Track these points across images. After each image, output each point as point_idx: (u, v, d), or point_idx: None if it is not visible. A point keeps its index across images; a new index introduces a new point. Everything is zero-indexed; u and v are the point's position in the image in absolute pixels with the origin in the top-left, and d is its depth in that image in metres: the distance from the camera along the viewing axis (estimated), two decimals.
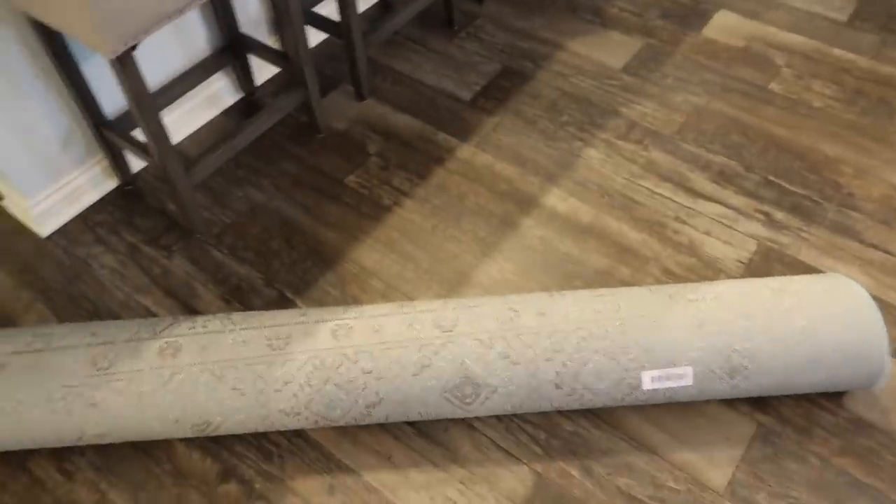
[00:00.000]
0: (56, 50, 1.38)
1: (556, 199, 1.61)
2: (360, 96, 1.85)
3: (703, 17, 2.06)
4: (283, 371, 1.18)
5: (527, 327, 1.20)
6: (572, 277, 1.47)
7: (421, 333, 1.20)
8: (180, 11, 1.23)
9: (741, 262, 1.48)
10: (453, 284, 1.48)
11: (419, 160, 1.71)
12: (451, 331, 1.20)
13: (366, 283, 1.49)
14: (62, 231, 1.62)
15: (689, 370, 1.17)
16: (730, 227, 1.54)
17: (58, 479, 1.25)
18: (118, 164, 1.64)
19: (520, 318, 1.22)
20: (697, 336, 1.18)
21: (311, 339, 1.21)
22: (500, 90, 1.88)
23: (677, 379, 1.17)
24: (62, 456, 1.27)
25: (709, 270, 1.47)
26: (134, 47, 1.20)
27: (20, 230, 1.62)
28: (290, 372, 1.18)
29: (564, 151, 1.72)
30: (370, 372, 1.18)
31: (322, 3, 1.95)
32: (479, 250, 1.53)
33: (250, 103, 1.86)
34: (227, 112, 1.86)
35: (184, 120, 1.78)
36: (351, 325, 1.23)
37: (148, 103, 1.29)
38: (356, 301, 1.46)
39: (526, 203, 1.61)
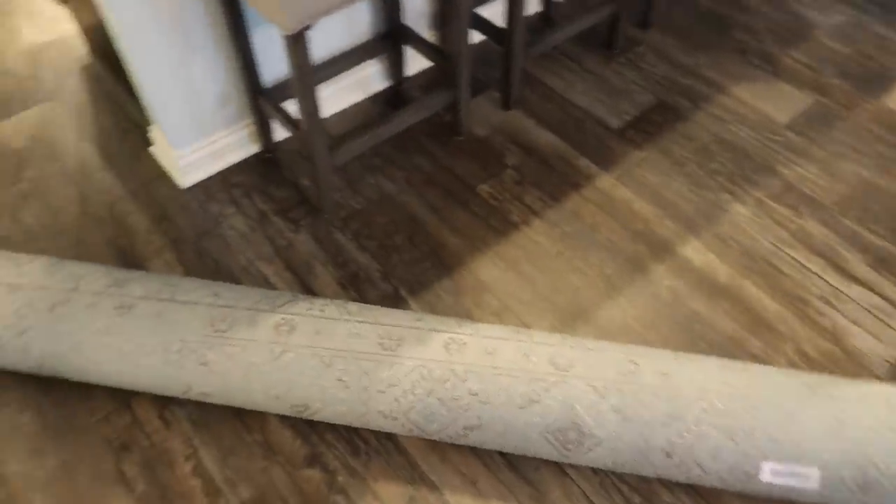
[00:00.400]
0: (233, 15, 1.42)
1: (693, 251, 1.52)
2: (506, 105, 1.82)
3: (887, 84, 1.89)
4: (389, 373, 1.17)
5: (646, 385, 1.13)
6: (697, 339, 1.38)
7: (535, 366, 1.16)
8: None
9: (889, 361, 1.35)
10: (569, 318, 1.42)
11: (555, 181, 1.66)
12: (566, 371, 1.15)
13: (480, 297, 1.45)
14: (201, 185, 1.67)
15: (815, 472, 1.07)
16: (883, 320, 1.40)
17: (156, 424, 1.29)
18: (264, 132, 1.68)
19: (640, 372, 1.15)
20: (833, 438, 1.07)
21: (422, 347, 1.19)
22: (652, 124, 1.79)
23: (801, 479, 1.08)
24: (164, 403, 1.32)
25: (850, 364, 1.34)
26: (309, 26, 1.21)
27: (163, 178, 1.69)
28: (396, 375, 1.17)
29: (710, 202, 1.62)
30: (476, 394, 1.15)
31: (485, 5, 1.93)
32: (602, 288, 1.47)
33: (397, 92, 1.87)
34: (373, 97, 1.87)
35: (332, 98, 1.80)
36: (465, 342, 1.20)
37: (309, 81, 1.30)
38: (468, 313, 1.43)
39: (660, 248, 1.53)
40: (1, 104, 1.85)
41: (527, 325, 1.41)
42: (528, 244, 1.55)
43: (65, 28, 2.06)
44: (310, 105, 1.34)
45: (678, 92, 1.88)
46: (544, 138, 1.76)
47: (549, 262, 1.51)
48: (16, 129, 1.79)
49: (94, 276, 1.31)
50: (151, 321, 1.23)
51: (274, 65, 1.63)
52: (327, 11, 1.20)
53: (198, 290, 1.28)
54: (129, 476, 1.23)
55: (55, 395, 1.33)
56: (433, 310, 1.44)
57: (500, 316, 1.43)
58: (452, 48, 1.56)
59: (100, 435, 1.28)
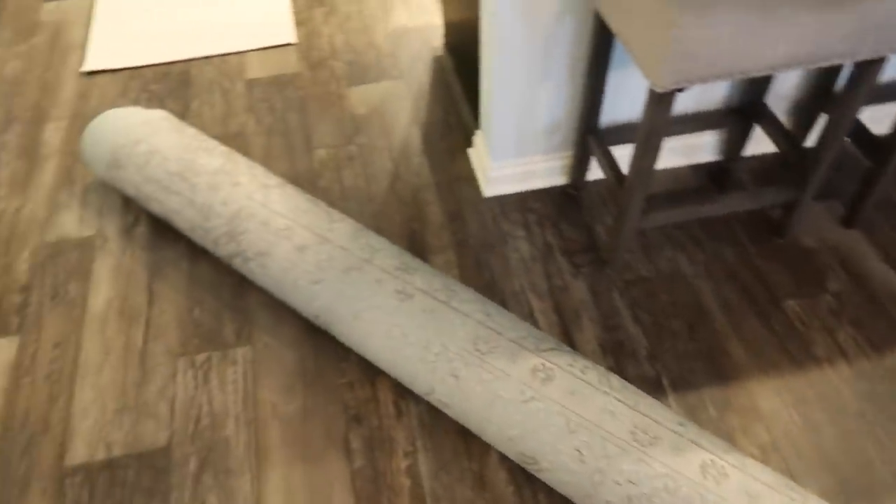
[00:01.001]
0: (601, 53, 1.40)
1: None
2: (848, 223, 1.59)
3: None
4: (632, 468, 1.07)
5: None
6: None
7: None
8: (749, 73, 1.13)
9: None
10: (851, 490, 1.20)
11: (881, 328, 1.42)
12: None
13: (751, 424, 1.28)
14: (500, 199, 1.70)
15: None
16: None
17: (390, 409, 1.33)
18: (579, 168, 1.65)
19: None
20: None
21: (677, 458, 1.07)
22: None
23: None
24: (403, 393, 1.35)
25: None
26: (683, 88, 1.14)
27: (469, 180, 1.75)
28: (639, 474, 1.06)
29: None
30: None
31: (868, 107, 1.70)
32: None
33: (725, 170, 1.73)
34: (696, 167, 1.75)
35: None
36: (727, 472, 1.06)
37: (657, 141, 1.24)
38: (730, 435, 1.27)
39: None
40: (360, 71, 2.05)
41: (794, 477, 1.22)
42: (825, 388, 1.33)
43: (430, 18, 2.23)
44: (646, 163, 1.27)
45: None
46: (882, 274, 1.51)
47: (845, 419, 1.29)
48: (363, 96, 1.97)
49: (388, 254, 1.38)
50: (424, 317, 1.26)
51: (617, 107, 1.59)
52: (707, 79, 1.12)
53: (472, 304, 1.29)
54: (352, 447, 1.28)
55: (318, 345, 1.43)
56: (693, 416, 1.30)
57: (765, 453, 1.24)
58: (817, 146, 1.39)
59: (341, 398, 1.35)
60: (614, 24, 1.22)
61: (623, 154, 1.69)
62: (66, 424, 1.31)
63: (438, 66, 2.06)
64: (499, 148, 1.63)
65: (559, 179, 1.72)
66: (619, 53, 1.47)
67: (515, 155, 1.65)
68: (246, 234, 1.43)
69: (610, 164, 1.47)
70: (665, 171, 1.75)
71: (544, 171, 1.69)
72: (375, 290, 1.30)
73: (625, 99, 1.57)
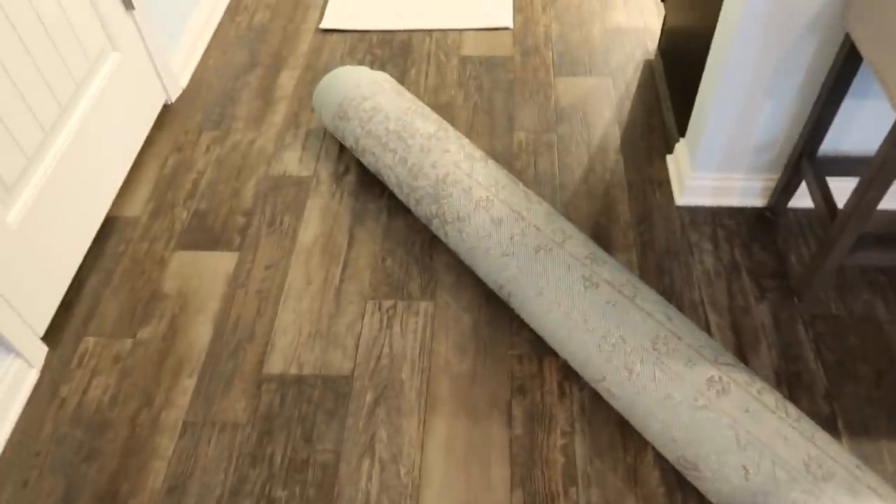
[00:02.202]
0: (840, 75, 1.36)
1: None
2: None
3: None
4: (801, 498, 1.05)
5: None
6: None
7: None
8: None
9: None
10: None
11: None
12: None
13: None
14: (692, 210, 1.69)
15: None
16: None
17: (554, 388, 1.39)
18: (783, 192, 1.61)
19: None
20: None
21: (851, 500, 1.04)
22: None
23: None
24: (569, 375, 1.40)
25: None
26: None
27: (663, 185, 1.75)
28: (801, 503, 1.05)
29: None
30: None
31: None
32: None
33: None
34: None
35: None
36: None
37: (890, 176, 1.19)
38: None
39: None
40: (570, 64, 2.09)
41: None
42: None
43: (647, 20, 2.23)
44: (870, 199, 1.22)
45: None
46: None
47: None
48: (569, 88, 2.02)
49: (578, 242, 1.43)
50: (607, 307, 1.30)
51: (842, 136, 1.52)
52: None
53: (655, 304, 1.31)
54: (513, 414, 1.35)
55: (494, 314, 1.51)
56: (868, 461, 1.25)
57: None
58: None
59: (508, 367, 1.42)
60: (868, 50, 1.18)
61: (837, 186, 1.62)
62: (268, 338, 1.49)
63: (649, 69, 2.06)
64: (702, 158, 1.62)
65: (757, 200, 1.68)
66: (860, 81, 1.41)
67: (717, 168, 1.63)
68: (449, 199, 1.54)
69: (823, 193, 1.42)
70: (882, 211, 1.65)
71: (743, 189, 1.66)
72: (563, 273, 1.36)
73: (854, 129, 1.50)
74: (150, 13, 1.90)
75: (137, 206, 1.76)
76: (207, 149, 1.89)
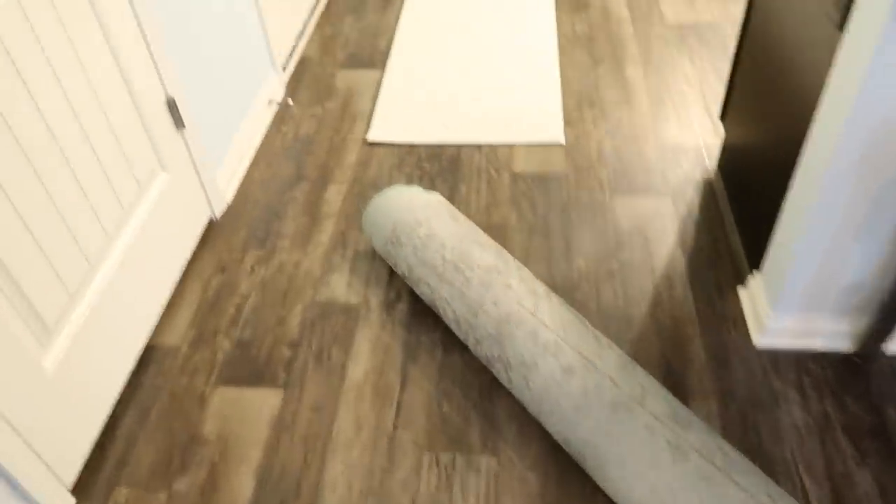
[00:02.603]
0: None
1: None
2: None
3: None
4: None
5: None
6: None
7: None
8: None
9: None
10: None
11: None
12: None
13: None
14: (772, 353, 1.56)
15: None
16: None
17: None
18: (875, 337, 1.48)
19: None
20: None
21: None
22: None
23: None
24: None
25: None
26: None
27: (738, 322, 1.63)
28: None
29: None
30: None
31: None
32: None
33: None
34: None
35: None
36: None
37: None
38: None
39: None
40: (626, 182, 2.02)
41: None
42: None
43: (703, 136, 2.16)
44: None
45: None
46: None
47: None
48: (628, 208, 1.93)
49: (657, 397, 1.30)
50: (700, 483, 1.16)
51: None
52: None
53: (753, 477, 1.17)
54: None
55: (564, 474, 1.37)
56: None
57: None
58: None
59: None
60: None
61: None
62: (315, 494, 1.36)
63: (709, 188, 1.98)
64: (784, 298, 1.50)
65: (843, 344, 1.55)
66: None
67: (801, 309, 1.52)
68: (512, 341, 1.43)
69: None
70: None
71: (829, 332, 1.53)
72: (646, 438, 1.23)
73: None
74: (199, 129, 1.86)
75: (178, 334, 1.66)
76: (252, 270, 1.81)
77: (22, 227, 1.22)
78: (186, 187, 1.79)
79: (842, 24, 1.22)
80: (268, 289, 1.76)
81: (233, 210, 1.99)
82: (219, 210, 1.95)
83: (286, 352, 1.62)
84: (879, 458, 1.36)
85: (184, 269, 1.82)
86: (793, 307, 1.52)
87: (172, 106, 1.70)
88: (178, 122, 1.73)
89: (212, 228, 1.93)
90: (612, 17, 2.78)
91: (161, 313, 1.71)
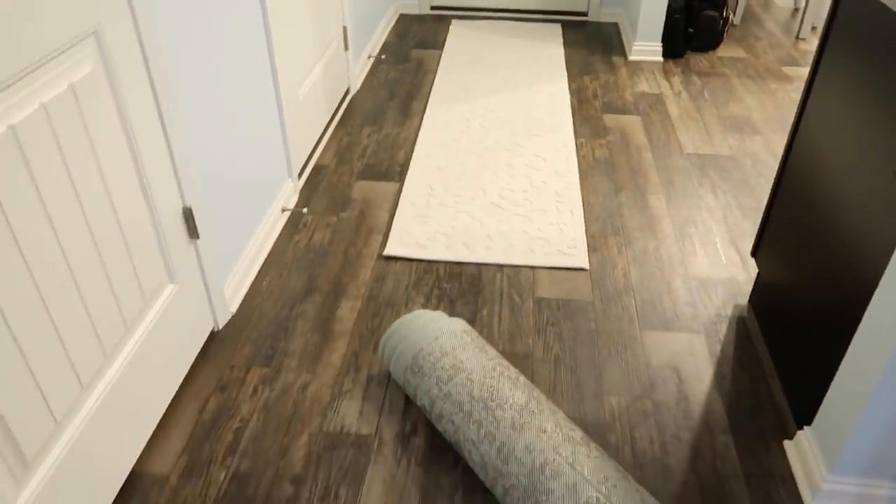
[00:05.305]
0: None
1: None
2: None
3: None
4: None
5: None
6: None
7: None
8: None
9: None
10: None
11: None
12: None
13: None
14: None
15: None
16: None
17: None
18: None
19: None
20: None
21: None
22: None
23: None
24: None
25: None
26: None
27: (786, 480, 1.49)
28: None
29: None
30: None
31: None
32: None
33: None
34: None
35: None
36: None
37: None
38: None
39: None
40: (655, 315, 1.92)
41: None
42: None
43: (733, 271, 2.09)
44: None
45: None
46: None
47: None
48: (658, 344, 1.83)
49: None
50: None
51: None
52: None
53: None
54: None
55: None
56: None
57: None
58: None
59: None
60: None
61: None
62: None
63: (743, 327, 1.89)
64: (844, 462, 1.37)
65: None
66: None
67: (860, 474, 1.38)
68: (549, 496, 1.27)
69: None
70: None
71: (891, 499, 1.40)
72: None
73: None
74: (212, 237, 1.76)
75: (168, 461, 1.49)
76: (255, 390, 1.66)
77: (14, 347, 1.08)
78: (192, 298, 1.67)
79: None
80: (271, 413, 1.60)
81: (237, 321, 1.86)
82: (222, 320, 1.82)
83: (288, 489, 1.44)
84: None
85: (181, 386, 1.66)
86: (852, 471, 1.38)
87: (189, 216, 1.60)
88: (193, 231, 1.63)
89: (213, 340, 1.79)
90: (632, 143, 2.78)
91: (150, 436, 1.54)
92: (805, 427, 1.52)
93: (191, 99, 1.61)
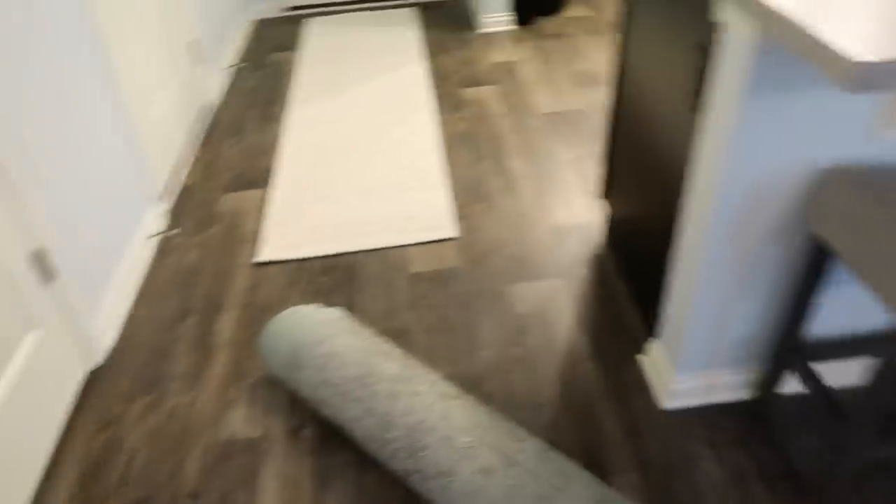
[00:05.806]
0: (813, 271, 1.32)
1: None
2: None
3: None
4: None
5: None
6: None
7: None
8: None
9: None
10: None
11: None
12: None
13: None
14: (680, 414, 1.57)
15: None
16: None
17: None
18: (769, 382, 1.52)
19: None
20: None
21: None
22: None
23: None
24: None
25: None
26: None
27: (642, 390, 1.64)
28: None
29: None
30: None
31: None
32: None
33: None
34: None
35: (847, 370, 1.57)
36: None
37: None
38: None
39: None
40: (520, 268, 2.05)
41: None
42: None
43: (588, 216, 2.24)
44: (884, 390, 1.14)
45: None
46: None
47: None
48: (525, 294, 1.95)
49: (581, 481, 1.27)
50: None
51: (829, 322, 1.47)
52: None
53: None
54: None
55: None
56: None
57: None
58: None
59: None
60: (844, 251, 1.15)
61: (829, 370, 1.55)
62: None
63: (599, 264, 2.04)
64: (685, 361, 1.53)
65: (742, 393, 1.59)
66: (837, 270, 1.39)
67: (700, 367, 1.55)
68: (426, 451, 1.37)
69: (816, 385, 1.34)
70: None
71: (728, 384, 1.57)
72: None
73: (840, 313, 1.46)
74: (72, 276, 1.75)
75: None
76: (140, 419, 1.68)
77: None
78: (59, 341, 1.66)
79: (694, 108, 1.31)
80: (160, 438, 1.63)
81: (115, 356, 1.86)
82: (99, 357, 1.82)
83: None
84: (793, 494, 1.37)
85: (62, 431, 1.66)
86: (693, 368, 1.55)
87: (41, 257, 1.60)
88: (47, 275, 1.62)
89: (92, 380, 1.79)
90: (489, 113, 2.91)
91: (36, 489, 1.53)
92: (654, 340, 1.67)
93: (20, 136, 1.60)
